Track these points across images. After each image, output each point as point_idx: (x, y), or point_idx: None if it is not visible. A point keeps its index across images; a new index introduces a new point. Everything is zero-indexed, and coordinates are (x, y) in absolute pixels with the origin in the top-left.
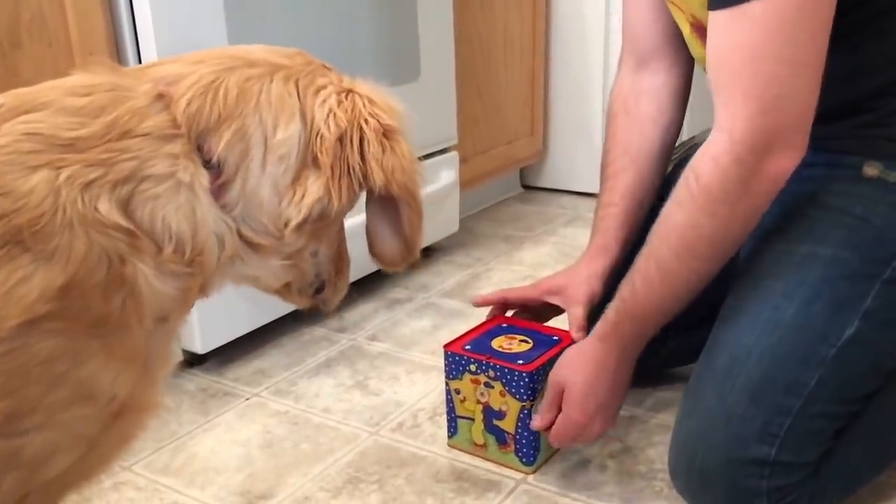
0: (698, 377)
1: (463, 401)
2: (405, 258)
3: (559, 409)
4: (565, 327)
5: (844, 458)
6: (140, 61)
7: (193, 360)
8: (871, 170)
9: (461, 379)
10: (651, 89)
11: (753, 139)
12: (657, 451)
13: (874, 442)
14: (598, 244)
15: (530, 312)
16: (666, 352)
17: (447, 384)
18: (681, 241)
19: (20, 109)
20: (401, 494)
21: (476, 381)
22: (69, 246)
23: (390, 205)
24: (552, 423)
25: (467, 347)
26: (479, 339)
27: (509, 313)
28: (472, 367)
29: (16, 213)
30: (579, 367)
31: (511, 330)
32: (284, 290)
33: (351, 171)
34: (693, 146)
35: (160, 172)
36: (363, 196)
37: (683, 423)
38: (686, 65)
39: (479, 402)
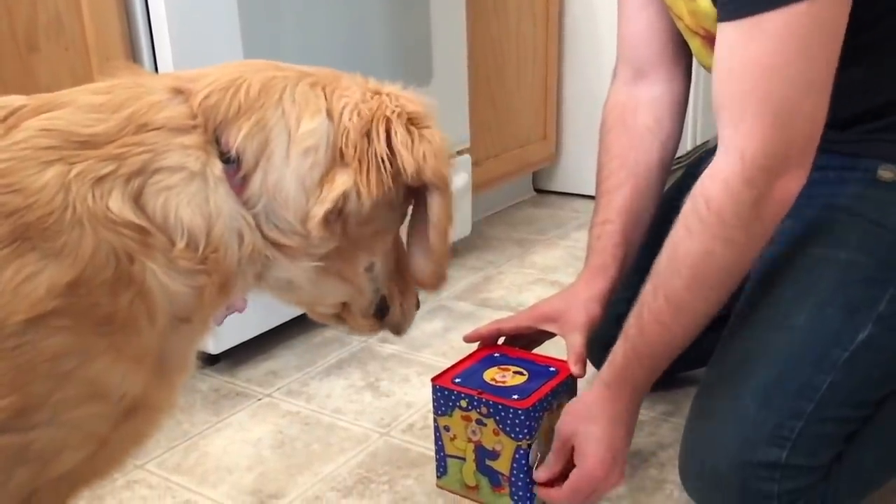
0: (709, 380)
1: (453, 439)
2: (437, 273)
3: (567, 463)
4: (558, 353)
5: (856, 461)
6: (156, 63)
7: (206, 361)
8: (886, 173)
9: (451, 415)
10: (649, 101)
11: (766, 160)
12: (668, 454)
13: (886, 446)
14: (595, 264)
15: (524, 338)
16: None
17: (435, 420)
18: (693, 271)
19: (42, 109)
20: (411, 495)
21: (467, 418)
22: (77, 243)
23: (423, 220)
24: (556, 477)
25: (457, 381)
26: (470, 371)
27: (500, 340)
28: (463, 403)
29: (27, 209)
30: (591, 418)
31: (504, 360)
32: (345, 314)
33: (381, 163)
34: (707, 151)
35: (172, 164)
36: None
37: (694, 425)
38: (684, 76)
39: (470, 440)
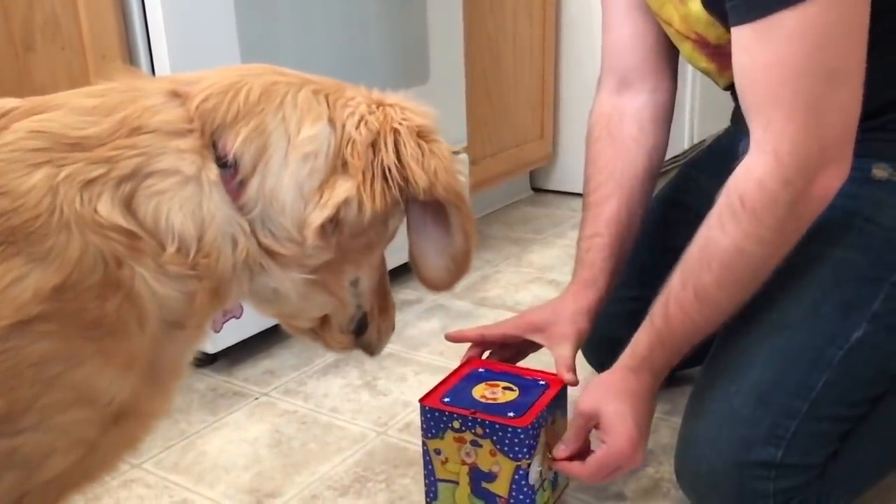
0: (705, 379)
1: (444, 462)
2: (456, 275)
3: (586, 442)
4: (540, 364)
5: (851, 460)
6: (152, 63)
7: (204, 360)
8: (880, 172)
9: (442, 437)
10: (634, 111)
11: (802, 160)
12: (665, 452)
13: (880, 444)
14: (584, 277)
15: (509, 349)
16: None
17: (424, 444)
18: (724, 267)
19: (34, 111)
20: (408, 494)
21: (461, 440)
22: (64, 247)
23: (432, 220)
24: (574, 456)
25: (446, 400)
26: (458, 388)
27: (485, 354)
28: (456, 424)
29: (13, 212)
30: (616, 397)
31: (490, 375)
32: (324, 328)
33: (387, 173)
34: (701, 151)
35: (166, 168)
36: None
37: (690, 424)
38: (669, 84)
39: (464, 462)
